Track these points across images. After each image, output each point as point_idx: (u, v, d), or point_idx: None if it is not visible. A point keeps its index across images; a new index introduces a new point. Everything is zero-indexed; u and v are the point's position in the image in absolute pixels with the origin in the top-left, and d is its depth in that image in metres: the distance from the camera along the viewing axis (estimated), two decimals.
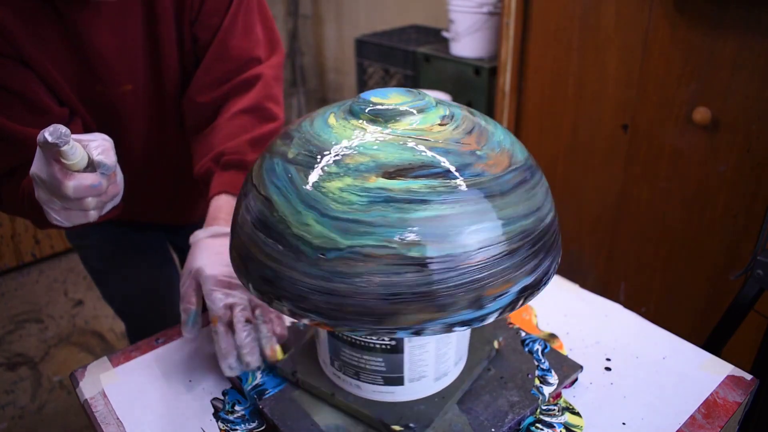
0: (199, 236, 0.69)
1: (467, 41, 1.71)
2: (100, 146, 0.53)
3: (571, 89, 1.44)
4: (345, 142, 0.48)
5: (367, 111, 0.51)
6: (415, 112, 0.51)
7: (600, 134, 1.42)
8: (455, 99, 1.77)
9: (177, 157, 0.90)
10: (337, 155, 0.47)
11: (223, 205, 0.73)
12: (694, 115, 1.21)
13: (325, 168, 0.47)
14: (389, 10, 2.46)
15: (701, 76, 1.19)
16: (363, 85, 2.18)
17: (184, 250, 1.16)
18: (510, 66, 1.52)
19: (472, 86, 1.72)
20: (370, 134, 0.49)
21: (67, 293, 2.13)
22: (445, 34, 1.79)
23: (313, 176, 0.47)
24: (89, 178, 0.52)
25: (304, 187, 0.46)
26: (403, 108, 0.51)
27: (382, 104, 0.51)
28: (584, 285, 0.84)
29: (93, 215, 0.58)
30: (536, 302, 0.81)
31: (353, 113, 0.52)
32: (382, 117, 0.50)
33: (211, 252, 0.66)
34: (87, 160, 0.52)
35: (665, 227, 1.36)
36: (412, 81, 1.92)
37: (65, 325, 1.95)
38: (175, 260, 1.18)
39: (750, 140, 1.16)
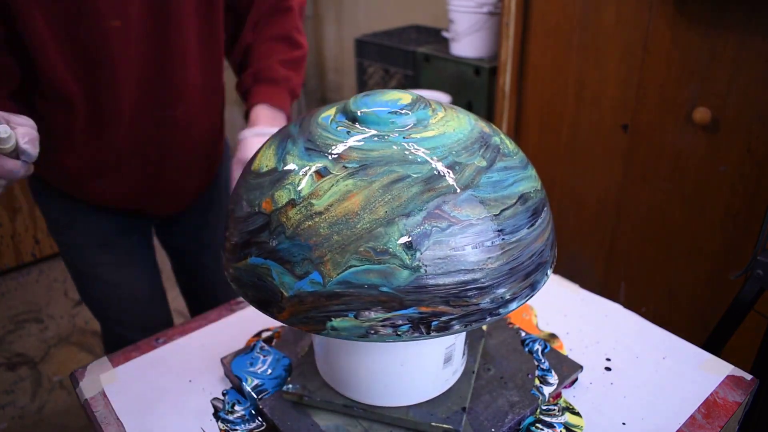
0: (245, 135, 0.81)
1: (467, 41, 1.71)
2: (27, 134, 0.55)
3: (571, 89, 1.44)
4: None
5: (398, 119, 0.50)
6: (421, 109, 0.51)
7: (600, 134, 1.42)
8: (455, 99, 1.77)
9: (172, 112, 0.85)
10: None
11: (260, 112, 0.87)
12: (694, 115, 1.21)
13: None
14: (389, 10, 2.46)
15: (701, 76, 1.19)
16: (363, 85, 2.18)
17: (175, 248, 1.11)
18: (510, 66, 1.52)
19: (472, 86, 1.72)
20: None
21: (67, 293, 2.12)
22: (445, 34, 1.79)
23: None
24: (10, 164, 0.55)
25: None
26: (416, 108, 0.51)
27: (403, 108, 0.51)
28: (584, 285, 0.84)
29: None
30: (536, 302, 0.81)
31: (376, 123, 0.50)
32: (416, 118, 0.51)
33: (256, 146, 0.76)
34: (15, 144, 0.55)
35: (665, 227, 1.36)
36: (412, 81, 1.92)
37: (65, 325, 1.95)
38: (167, 263, 1.15)
39: (750, 140, 1.16)
